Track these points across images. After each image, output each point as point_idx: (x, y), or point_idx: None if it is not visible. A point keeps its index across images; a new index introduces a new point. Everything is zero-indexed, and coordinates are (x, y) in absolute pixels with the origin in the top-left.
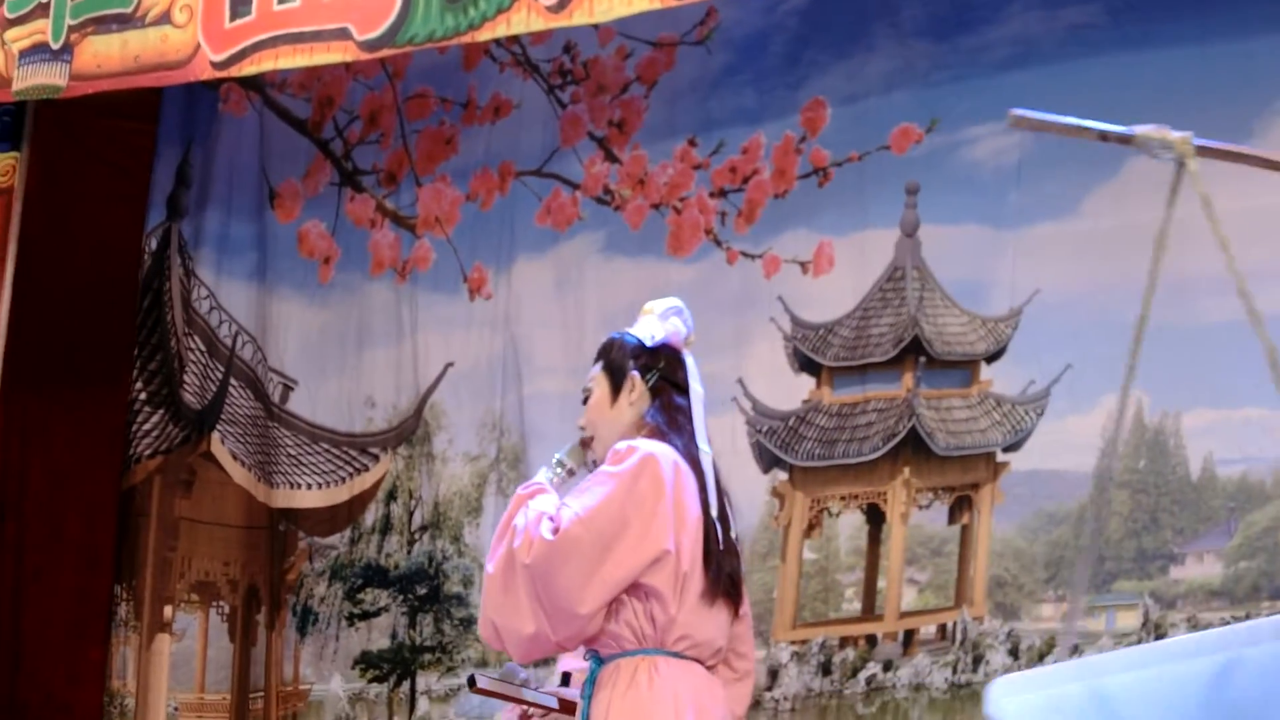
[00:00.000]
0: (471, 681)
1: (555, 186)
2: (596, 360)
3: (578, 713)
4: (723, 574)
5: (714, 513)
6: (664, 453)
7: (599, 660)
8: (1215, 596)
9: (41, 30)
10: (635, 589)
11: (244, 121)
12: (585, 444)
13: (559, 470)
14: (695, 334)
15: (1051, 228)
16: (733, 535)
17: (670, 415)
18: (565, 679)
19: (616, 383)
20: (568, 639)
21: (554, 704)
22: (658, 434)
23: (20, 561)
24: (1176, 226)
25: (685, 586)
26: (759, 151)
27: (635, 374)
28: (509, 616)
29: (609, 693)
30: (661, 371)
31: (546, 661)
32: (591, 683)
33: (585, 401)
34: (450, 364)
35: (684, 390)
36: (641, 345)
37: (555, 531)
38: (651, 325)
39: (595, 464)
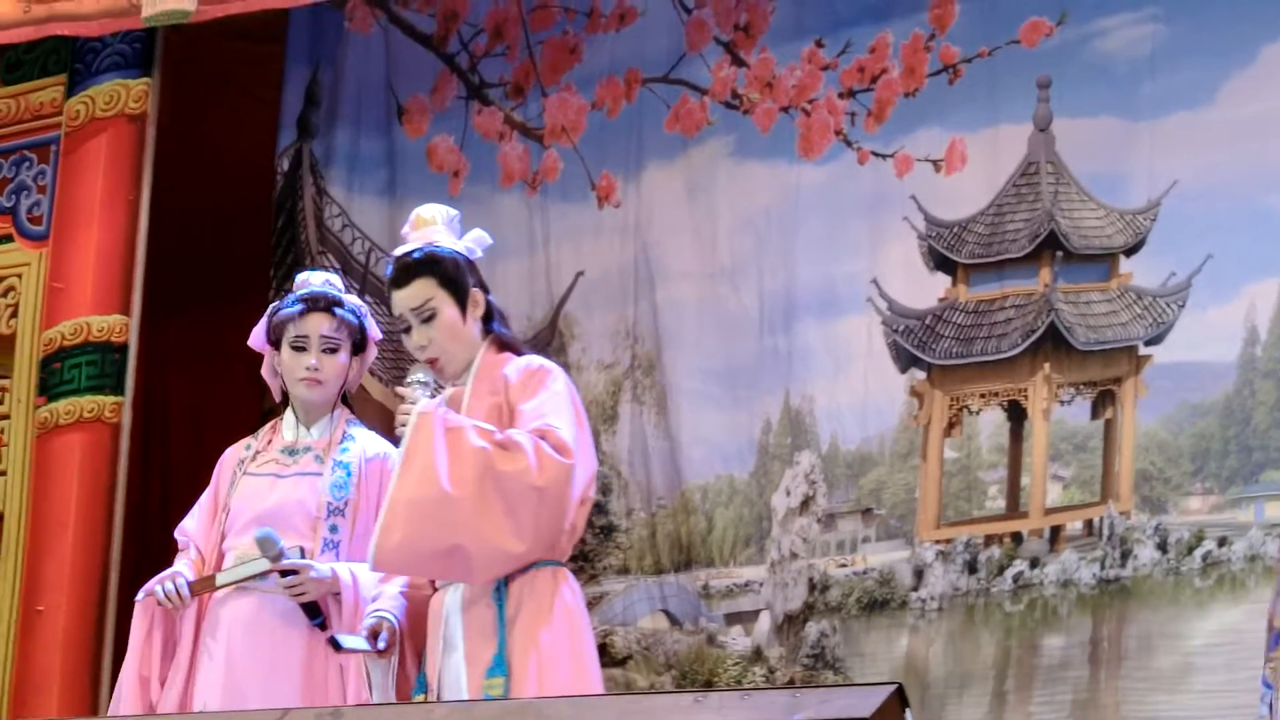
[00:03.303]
0: (335, 644)
1: (683, 93)
2: (422, 277)
3: (493, 615)
4: None
5: None
6: None
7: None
8: None
9: None
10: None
11: (370, 39)
12: (432, 363)
13: (427, 391)
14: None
15: (1188, 117)
16: None
17: (509, 328)
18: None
19: (461, 301)
20: (536, 556)
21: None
22: (509, 347)
23: (166, 483)
24: None
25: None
26: (887, 50)
27: (476, 289)
28: (493, 537)
29: (537, 601)
30: (484, 285)
31: None
32: (504, 589)
33: (428, 320)
34: (581, 273)
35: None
36: (470, 260)
37: (560, 451)
38: (457, 237)
39: (440, 385)
